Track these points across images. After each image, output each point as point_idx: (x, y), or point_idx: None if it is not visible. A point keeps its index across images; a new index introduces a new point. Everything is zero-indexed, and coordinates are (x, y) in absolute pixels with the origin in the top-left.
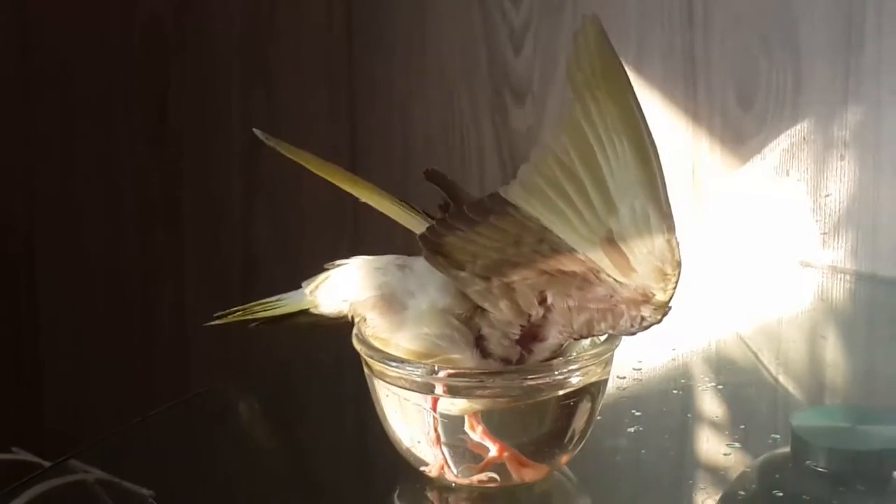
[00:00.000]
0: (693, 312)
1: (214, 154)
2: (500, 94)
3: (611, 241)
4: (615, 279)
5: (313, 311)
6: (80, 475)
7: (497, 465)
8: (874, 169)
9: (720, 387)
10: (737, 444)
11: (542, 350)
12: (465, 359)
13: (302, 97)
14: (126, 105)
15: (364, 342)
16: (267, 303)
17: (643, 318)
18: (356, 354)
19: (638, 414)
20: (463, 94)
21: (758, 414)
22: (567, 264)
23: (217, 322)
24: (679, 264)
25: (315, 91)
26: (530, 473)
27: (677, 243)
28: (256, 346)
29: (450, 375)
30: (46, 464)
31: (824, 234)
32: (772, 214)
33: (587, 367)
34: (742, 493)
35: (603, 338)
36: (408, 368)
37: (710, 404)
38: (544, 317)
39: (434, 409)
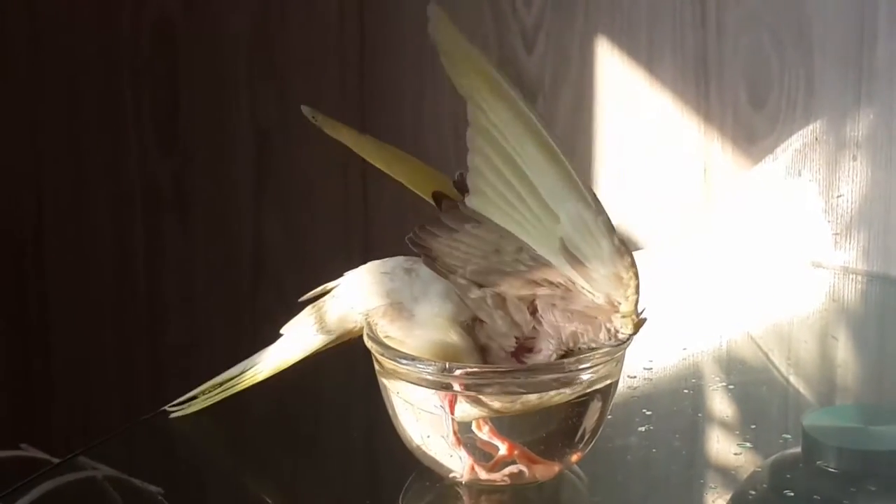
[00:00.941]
0: (704, 312)
1: (224, 150)
2: None
3: (566, 250)
4: (586, 289)
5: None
6: (88, 472)
7: (509, 463)
8: (887, 169)
9: (731, 387)
10: (748, 444)
11: (534, 362)
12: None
13: (312, 97)
14: (135, 101)
15: (376, 340)
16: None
17: (616, 330)
18: (366, 352)
19: (649, 413)
20: None
21: (769, 414)
22: (547, 273)
23: (183, 411)
24: (631, 266)
25: (326, 91)
26: (541, 471)
27: (620, 242)
28: (266, 341)
29: (464, 374)
30: (55, 460)
31: (836, 234)
32: (784, 215)
33: (598, 365)
34: (753, 492)
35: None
36: (419, 366)
37: (721, 404)
38: (535, 329)
39: (452, 411)
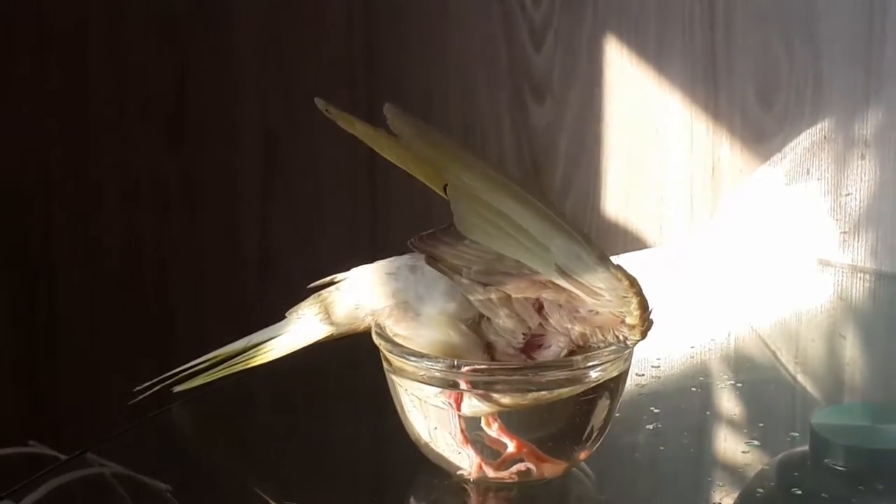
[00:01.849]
0: (712, 310)
1: (232, 147)
2: (520, 91)
3: (564, 274)
4: (590, 300)
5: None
6: (96, 469)
7: (517, 460)
8: (895, 168)
9: (739, 385)
10: (756, 442)
11: (544, 358)
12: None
13: (321, 93)
14: (144, 97)
15: (384, 337)
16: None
17: (626, 337)
18: (374, 347)
19: (657, 411)
20: (483, 91)
21: (777, 412)
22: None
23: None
24: (633, 285)
25: (335, 87)
26: (549, 469)
27: (617, 268)
28: None
29: (471, 371)
30: (63, 457)
31: (844, 233)
32: (792, 213)
33: (606, 363)
34: (761, 490)
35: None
36: (427, 363)
37: (729, 402)
38: (542, 325)
39: (458, 408)
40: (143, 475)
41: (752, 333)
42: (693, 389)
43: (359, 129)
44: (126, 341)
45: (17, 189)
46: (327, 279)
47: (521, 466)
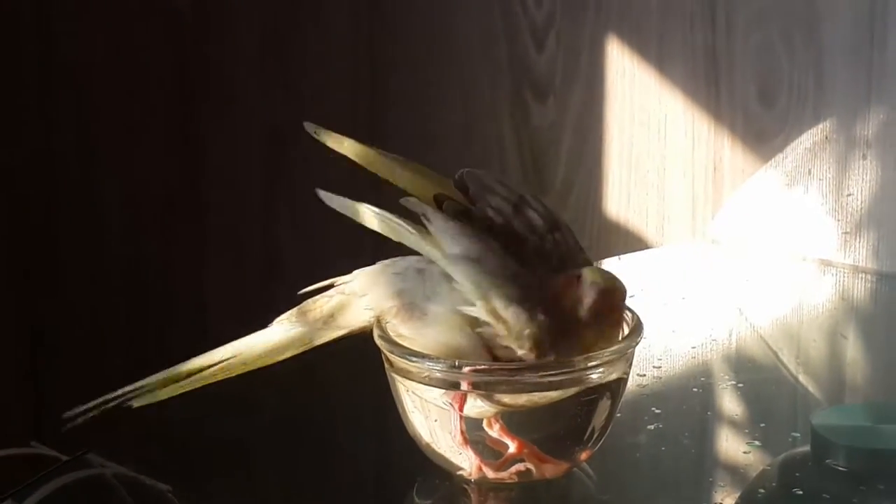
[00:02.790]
0: (713, 310)
1: (236, 150)
2: (521, 91)
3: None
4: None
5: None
6: (97, 469)
7: (518, 460)
8: None
9: (740, 385)
10: (757, 443)
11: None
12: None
13: (324, 95)
14: (147, 100)
15: (386, 339)
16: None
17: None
18: (376, 347)
19: (658, 412)
20: (484, 91)
21: (778, 412)
22: None
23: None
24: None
25: (337, 89)
26: (550, 469)
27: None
28: None
29: (473, 371)
30: (64, 458)
31: (846, 233)
32: (793, 213)
33: (608, 363)
34: (762, 491)
35: (622, 335)
36: (428, 363)
37: (730, 403)
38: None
39: (460, 409)
40: (144, 476)
41: (753, 334)
42: (694, 390)
43: (347, 148)
44: (128, 343)
45: (19, 193)
46: (325, 283)
47: (519, 467)
